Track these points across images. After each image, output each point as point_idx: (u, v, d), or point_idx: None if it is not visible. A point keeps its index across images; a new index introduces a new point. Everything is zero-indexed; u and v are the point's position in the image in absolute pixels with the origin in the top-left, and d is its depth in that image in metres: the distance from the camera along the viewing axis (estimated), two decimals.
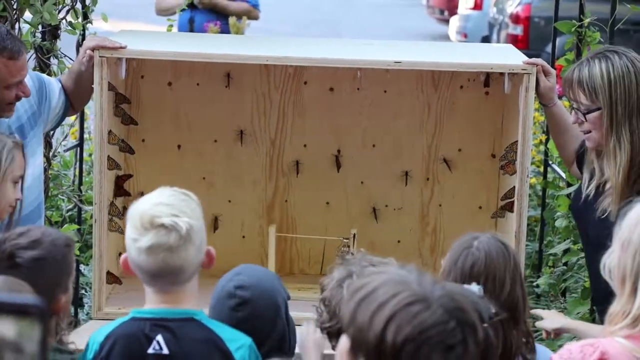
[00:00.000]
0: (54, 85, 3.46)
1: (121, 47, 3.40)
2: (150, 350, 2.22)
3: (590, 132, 3.07)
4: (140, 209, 2.22)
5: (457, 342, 1.53)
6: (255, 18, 6.25)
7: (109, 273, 3.57)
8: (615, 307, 1.95)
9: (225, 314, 2.41)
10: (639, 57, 3.05)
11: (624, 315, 1.92)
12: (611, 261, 1.96)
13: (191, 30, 6.11)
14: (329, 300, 2.30)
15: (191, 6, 5.98)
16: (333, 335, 2.28)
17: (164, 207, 2.20)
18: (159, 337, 2.21)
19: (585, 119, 3.05)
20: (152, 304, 2.25)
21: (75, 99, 3.53)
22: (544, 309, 4.24)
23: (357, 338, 1.56)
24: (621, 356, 1.90)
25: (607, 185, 3.08)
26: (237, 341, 2.26)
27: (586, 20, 4.04)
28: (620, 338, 1.91)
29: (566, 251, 4.19)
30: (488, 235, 2.35)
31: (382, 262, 2.35)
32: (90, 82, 3.43)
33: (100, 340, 2.26)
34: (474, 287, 2.05)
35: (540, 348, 2.45)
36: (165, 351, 2.21)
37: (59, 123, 3.58)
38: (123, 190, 3.83)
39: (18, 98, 3.17)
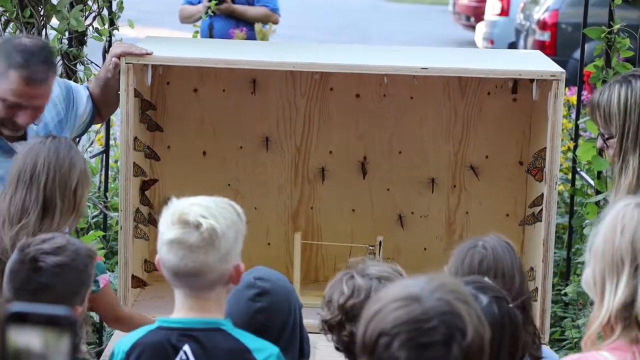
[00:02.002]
0: (82, 92, 3.45)
1: (147, 54, 3.40)
2: None
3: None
4: (177, 205, 2.21)
5: (433, 342, 1.52)
6: (275, 22, 6.24)
7: (134, 277, 3.57)
8: (590, 317, 1.93)
9: (243, 304, 2.40)
10: None
11: (593, 322, 1.91)
12: (586, 274, 1.95)
13: (211, 37, 6.11)
14: (330, 295, 2.31)
15: (212, 13, 5.98)
16: (333, 328, 2.29)
17: (198, 207, 2.19)
18: (186, 347, 2.20)
19: (606, 144, 3.03)
20: (179, 311, 2.23)
21: (102, 107, 3.52)
22: (572, 317, 4.20)
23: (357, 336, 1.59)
24: None
25: None
26: (264, 351, 2.24)
27: (616, 27, 3.99)
28: (605, 352, 1.88)
29: None
30: (491, 236, 2.42)
31: (385, 264, 2.37)
32: (116, 89, 3.42)
33: (126, 349, 2.24)
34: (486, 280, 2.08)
35: (545, 350, 2.46)
36: None
37: (85, 130, 3.57)
38: (146, 198, 3.83)
39: (15, 123, 3.07)
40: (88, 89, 3.49)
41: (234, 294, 2.43)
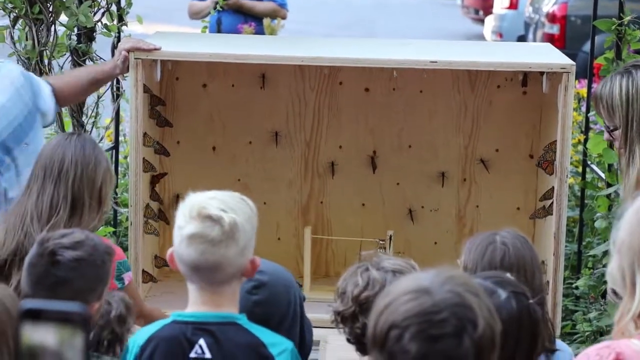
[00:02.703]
0: (43, 86, 3.33)
1: (156, 49, 3.39)
2: (192, 355, 2.19)
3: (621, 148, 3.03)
4: (194, 199, 2.21)
5: (444, 334, 1.52)
6: (283, 17, 6.24)
7: (144, 272, 3.57)
8: (620, 309, 1.93)
9: (241, 297, 2.39)
10: None
11: (627, 315, 1.90)
12: (612, 268, 1.94)
13: (219, 32, 6.11)
14: (344, 286, 2.30)
15: (220, 8, 5.98)
16: (346, 320, 2.29)
17: (216, 201, 2.19)
18: (201, 341, 2.19)
19: (612, 136, 3.02)
20: (193, 305, 2.23)
21: (72, 98, 3.45)
22: (583, 311, 4.19)
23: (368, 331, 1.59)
24: (635, 357, 1.88)
25: None
26: (279, 346, 2.24)
27: (626, 19, 3.98)
28: (635, 340, 1.88)
29: (606, 252, 4.12)
30: (507, 230, 2.40)
31: (399, 259, 2.36)
32: (102, 86, 3.42)
33: (141, 343, 2.24)
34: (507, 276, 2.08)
35: (559, 343, 2.47)
36: (208, 355, 2.19)
37: (46, 125, 3.44)
38: (156, 193, 3.83)
39: None
40: (51, 85, 3.36)
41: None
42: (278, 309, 2.42)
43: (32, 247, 2.51)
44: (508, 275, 2.15)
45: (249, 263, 2.22)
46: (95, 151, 2.81)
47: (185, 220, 2.18)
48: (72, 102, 3.55)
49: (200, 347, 2.19)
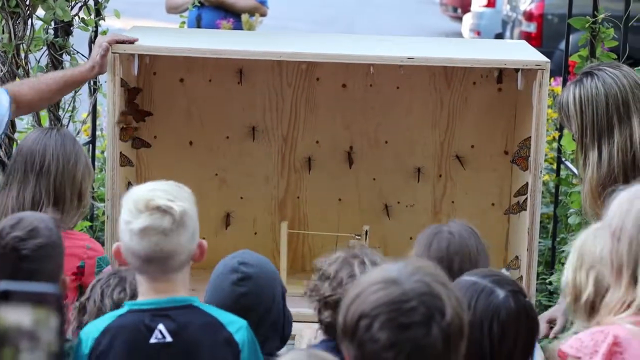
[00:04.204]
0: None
1: (134, 40, 3.40)
2: (152, 340, 2.21)
3: None
4: (136, 193, 2.24)
5: (413, 323, 1.54)
6: (263, 15, 6.25)
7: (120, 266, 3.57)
8: (612, 297, 1.94)
9: (227, 289, 2.43)
10: (618, 74, 3.01)
11: (623, 305, 1.92)
12: (602, 250, 1.96)
13: (198, 28, 6.10)
14: (334, 273, 2.32)
15: (199, 3, 5.97)
16: (329, 305, 2.31)
17: (160, 192, 2.22)
18: (161, 326, 2.21)
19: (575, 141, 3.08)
20: (147, 294, 2.25)
21: (37, 103, 3.32)
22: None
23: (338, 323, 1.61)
24: (632, 340, 1.90)
25: None
26: (235, 324, 2.27)
27: (600, 17, 4.02)
28: (628, 324, 1.91)
29: None
30: (456, 221, 2.51)
31: (381, 256, 2.39)
32: (74, 89, 3.39)
33: (96, 336, 2.24)
34: (505, 272, 2.11)
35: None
36: (169, 339, 2.21)
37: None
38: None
39: None
40: (9, 93, 3.25)
41: (218, 278, 2.46)
42: (263, 301, 2.45)
43: None
44: (505, 273, 2.17)
45: (197, 248, 2.25)
46: (75, 147, 2.81)
47: (132, 214, 2.19)
48: (39, 107, 3.46)
49: (160, 332, 2.21)
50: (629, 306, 1.92)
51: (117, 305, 2.38)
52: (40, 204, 2.73)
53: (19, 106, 3.27)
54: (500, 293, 2.15)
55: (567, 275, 2.09)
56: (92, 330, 2.26)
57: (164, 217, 2.18)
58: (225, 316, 2.28)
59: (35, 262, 2.25)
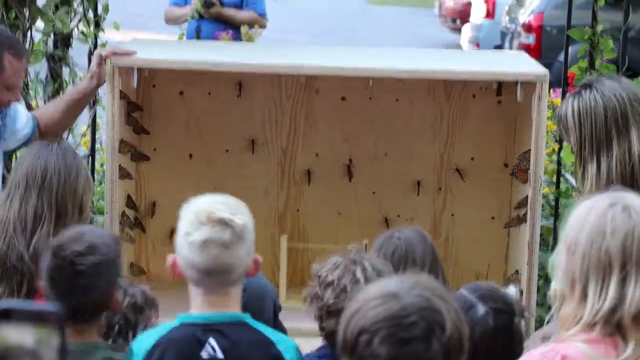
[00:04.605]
0: (21, 109, 3.37)
1: (132, 52, 3.40)
2: (204, 355, 2.20)
3: None
4: (197, 205, 2.23)
5: (413, 337, 1.53)
6: (263, 27, 6.25)
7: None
8: (566, 311, 1.94)
9: None
10: (617, 87, 3.01)
11: (575, 320, 1.92)
12: (558, 262, 1.96)
13: (198, 39, 6.10)
14: (337, 280, 2.32)
15: (198, 15, 5.98)
16: (335, 314, 2.29)
17: (221, 205, 2.22)
18: (212, 341, 2.20)
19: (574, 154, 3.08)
20: (199, 308, 2.24)
21: (55, 126, 3.41)
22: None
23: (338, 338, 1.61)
24: (582, 358, 1.90)
25: None
26: (285, 343, 2.27)
27: (599, 28, 4.02)
28: (579, 342, 1.90)
29: None
30: (411, 228, 2.62)
31: (378, 260, 2.41)
32: (83, 108, 3.42)
33: (149, 347, 2.23)
34: (512, 290, 2.11)
35: None
36: (220, 355, 2.20)
37: (18, 147, 3.42)
38: (132, 201, 3.82)
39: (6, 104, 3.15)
40: (34, 116, 3.40)
41: None
42: (254, 313, 2.40)
43: (22, 258, 2.52)
44: (511, 290, 2.16)
45: (252, 262, 2.26)
46: (76, 160, 2.81)
47: (193, 226, 2.18)
48: (54, 131, 3.49)
49: (212, 347, 2.20)
50: (579, 321, 1.92)
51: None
52: (42, 217, 2.73)
53: (42, 131, 3.36)
54: (480, 309, 2.15)
55: (552, 285, 2.09)
56: (144, 341, 2.25)
57: (225, 230, 2.17)
58: (276, 335, 2.28)
59: (90, 278, 2.27)
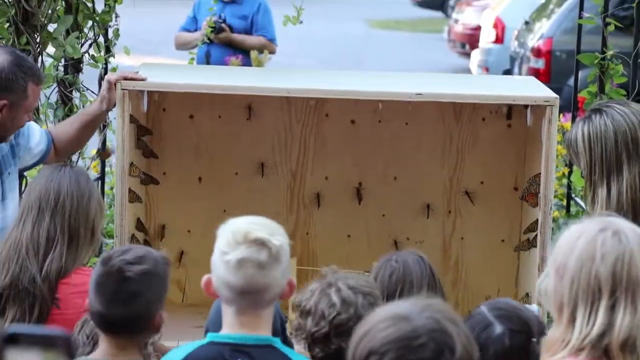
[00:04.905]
0: (35, 127, 3.42)
1: (142, 79, 3.41)
2: None
3: None
4: (235, 225, 2.25)
5: (423, 359, 1.52)
6: (272, 52, 6.28)
7: None
8: (553, 334, 1.93)
9: (218, 317, 2.41)
10: (627, 111, 3.01)
11: (563, 344, 1.90)
12: (546, 285, 1.95)
13: (208, 64, 6.13)
14: (315, 306, 2.33)
15: (208, 40, 6.01)
16: (318, 341, 2.32)
17: (259, 225, 2.24)
18: None
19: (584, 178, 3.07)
20: (230, 327, 2.25)
21: (68, 145, 3.47)
22: None
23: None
24: None
25: None
26: None
27: (609, 53, 4.02)
28: None
29: None
30: (407, 251, 2.65)
31: (357, 276, 2.42)
32: (94, 130, 3.47)
33: None
34: (534, 307, 2.11)
35: None
36: None
37: (33, 165, 3.46)
38: (141, 224, 3.83)
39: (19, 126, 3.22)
40: (49, 131, 3.47)
41: (218, 307, 2.45)
42: None
43: (34, 280, 2.53)
44: (533, 308, 2.17)
45: (287, 285, 2.27)
46: (89, 184, 2.83)
47: (229, 246, 2.20)
48: (68, 149, 3.53)
49: None
50: (567, 345, 1.90)
51: (88, 337, 2.43)
52: (55, 240, 2.74)
53: (57, 147, 3.41)
54: (498, 328, 2.15)
55: (534, 307, 2.09)
56: (173, 358, 2.27)
57: (261, 250, 2.19)
58: None
59: (137, 286, 2.29)
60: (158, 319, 2.32)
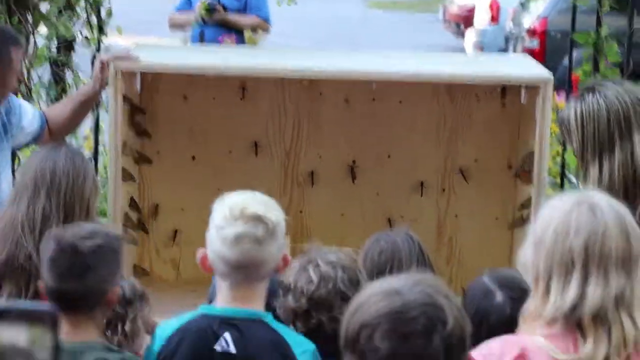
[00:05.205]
0: (28, 106, 3.43)
1: (135, 57, 3.40)
2: (217, 348, 2.23)
3: None
4: (232, 200, 2.26)
5: (414, 332, 1.54)
6: (266, 31, 6.25)
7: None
8: (529, 305, 1.96)
9: None
10: (620, 90, 3.01)
11: (538, 315, 1.93)
12: (525, 257, 1.97)
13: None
14: (294, 283, 2.37)
15: (202, 21, 5.98)
16: (299, 316, 2.35)
17: (255, 201, 2.26)
18: (227, 336, 2.23)
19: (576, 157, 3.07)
20: (223, 301, 2.27)
21: (63, 125, 3.45)
22: None
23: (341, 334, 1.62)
24: (540, 353, 1.92)
25: None
26: (301, 345, 2.27)
27: (604, 32, 4.02)
28: (539, 337, 1.91)
29: None
30: (397, 230, 2.68)
31: (339, 250, 2.44)
32: (88, 110, 3.45)
33: (169, 334, 2.28)
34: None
35: None
36: (232, 350, 2.23)
37: (26, 144, 3.47)
38: (135, 203, 3.83)
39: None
40: (43, 113, 3.46)
41: (215, 288, 2.46)
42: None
43: (30, 257, 2.54)
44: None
45: (282, 259, 2.29)
46: (84, 163, 2.85)
47: (226, 221, 2.21)
48: (63, 130, 3.51)
49: (226, 341, 2.23)
50: (540, 316, 1.93)
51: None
52: (50, 218, 2.76)
53: (52, 128, 3.40)
54: (499, 296, 2.16)
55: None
56: (166, 328, 2.30)
57: (258, 225, 2.21)
58: (294, 337, 2.29)
59: (90, 261, 2.29)
60: (112, 295, 2.33)
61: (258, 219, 2.20)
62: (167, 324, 2.32)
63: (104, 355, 2.27)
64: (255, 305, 2.26)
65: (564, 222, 1.92)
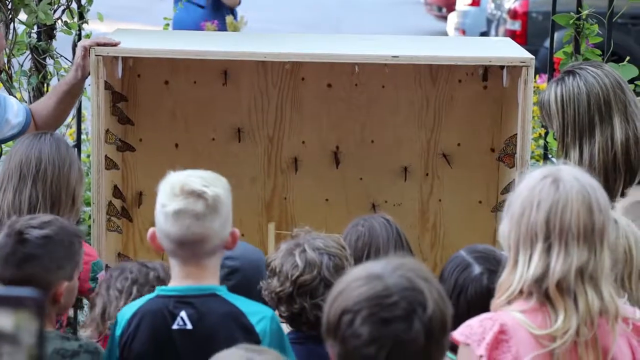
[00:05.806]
0: (11, 99, 3.39)
1: (115, 43, 3.38)
2: (174, 326, 2.27)
3: None
4: (174, 178, 2.31)
5: (395, 317, 1.55)
6: (236, 4, 6.26)
7: (107, 269, 3.56)
8: (502, 278, 1.99)
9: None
10: (600, 73, 3.01)
11: (507, 286, 1.97)
12: (502, 230, 2.02)
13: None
14: (280, 267, 2.40)
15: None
16: (283, 300, 2.39)
17: (196, 178, 2.30)
18: (183, 313, 2.27)
19: (556, 140, 3.09)
20: (176, 280, 2.30)
21: (48, 118, 3.40)
22: None
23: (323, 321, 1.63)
24: (518, 328, 1.95)
25: None
26: (258, 314, 2.30)
27: (584, 13, 4.02)
28: (516, 312, 1.94)
29: None
30: (375, 215, 2.70)
31: (328, 237, 2.47)
32: (76, 97, 3.41)
33: (128, 317, 2.32)
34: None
35: None
36: (189, 326, 2.27)
37: (11, 138, 3.39)
38: (119, 191, 3.81)
39: None
40: (29, 108, 3.41)
41: None
42: (252, 291, 2.49)
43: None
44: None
45: (230, 235, 2.31)
46: (69, 151, 2.84)
47: (168, 198, 2.26)
48: (50, 122, 3.44)
49: (182, 318, 2.27)
50: (509, 288, 1.98)
51: (120, 291, 2.46)
52: (37, 206, 2.75)
53: (38, 122, 3.36)
54: (476, 269, 2.20)
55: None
56: (126, 312, 2.33)
57: (197, 201, 2.24)
58: (250, 306, 2.32)
59: (33, 249, 2.28)
60: (59, 290, 2.31)
61: (197, 195, 2.24)
62: (127, 307, 2.35)
63: (62, 345, 2.26)
64: (208, 281, 2.29)
65: (529, 195, 1.97)
